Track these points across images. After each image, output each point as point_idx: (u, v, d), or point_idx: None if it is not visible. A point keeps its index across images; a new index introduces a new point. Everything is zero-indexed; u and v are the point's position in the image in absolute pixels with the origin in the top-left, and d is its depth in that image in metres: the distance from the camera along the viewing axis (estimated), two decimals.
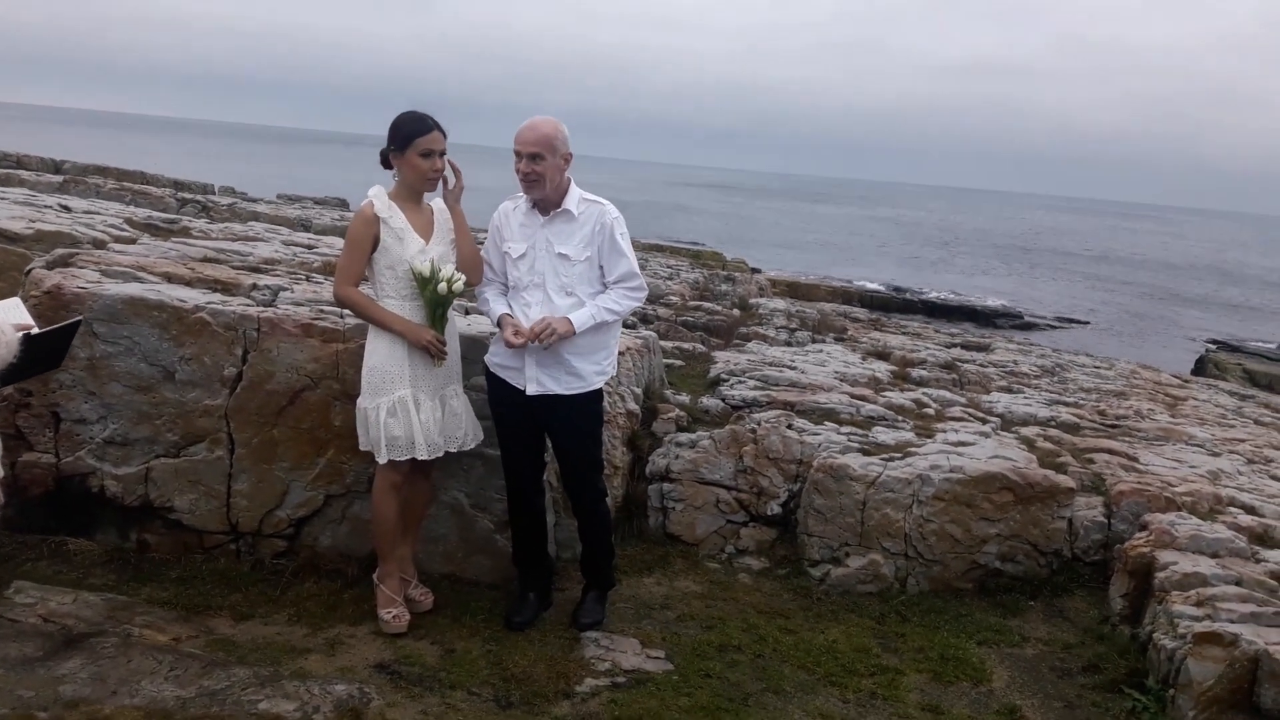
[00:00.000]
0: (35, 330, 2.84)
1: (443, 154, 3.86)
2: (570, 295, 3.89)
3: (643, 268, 13.63)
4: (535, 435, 4.08)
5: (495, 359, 4.04)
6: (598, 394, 4.07)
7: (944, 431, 5.77)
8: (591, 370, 3.98)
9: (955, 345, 12.46)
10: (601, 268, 3.94)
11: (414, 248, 3.82)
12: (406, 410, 3.81)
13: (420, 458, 3.86)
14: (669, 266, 14.12)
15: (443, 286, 3.78)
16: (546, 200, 3.91)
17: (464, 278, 3.87)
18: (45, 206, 7.79)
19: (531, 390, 3.93)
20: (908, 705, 3.79)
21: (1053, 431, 6.34)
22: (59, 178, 14.48)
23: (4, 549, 4.17)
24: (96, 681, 3.30)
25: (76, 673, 3.34)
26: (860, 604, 4.66)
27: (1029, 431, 6.22)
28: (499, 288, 4.05)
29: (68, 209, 8.05)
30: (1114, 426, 6.97)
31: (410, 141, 3.81)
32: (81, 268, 4.73)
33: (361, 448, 3.96)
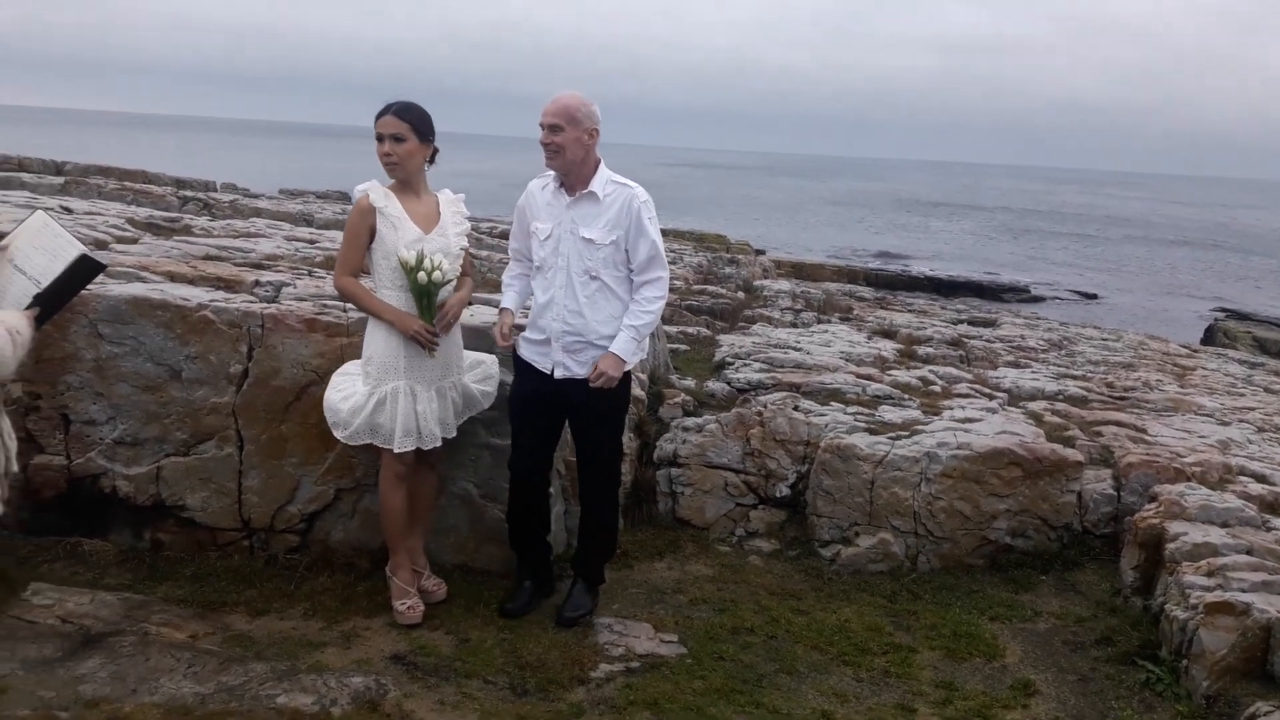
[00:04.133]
0: (41, 289, 2.78)
1: (395, 138, 3.81)
2: (595, 279, 3.86)
3: None
4: (553, 421, 4.07)
5: (523, 338, 4.04)
6: (626, 377, 4.01)
7: (951, 409, 5.77)
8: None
9: (962, 321, 12.45)
10: (627, 252, 3.89)
11: (408, 237, 3.83)
12: (396, 401, 3.82)
13: (403, 449, 3.84)
14: (672, 250, 14.09)
15: (422, 276, 3.75)
16: (572, 180, 3.88)
17: (447, 265, 3.82)
18: (47, 209, 7.78)
19: (558, 374, 3.92)
20: (921, 683, 3.81)
21: (1060, 405, 6.35)
22: (60, 179, 14.47)
23: (20, 552, 4.19)
24: (116, 680, 3.33)
25: (96, 672, 3.37)
26: (871, 583, 4.67)
27: (1036, 406, 6.23)
28: (522, 268, 4.08)
29: (69, 210, 8.05)
30: (1122, 398, 6.97)
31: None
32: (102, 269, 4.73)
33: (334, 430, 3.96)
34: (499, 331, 4.00)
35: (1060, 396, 6.70)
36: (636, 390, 5.33)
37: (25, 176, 14.10)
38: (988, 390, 6.61)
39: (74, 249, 2.83)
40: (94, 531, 4.39)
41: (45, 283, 2.77)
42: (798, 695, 3.66)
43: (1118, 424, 5.94)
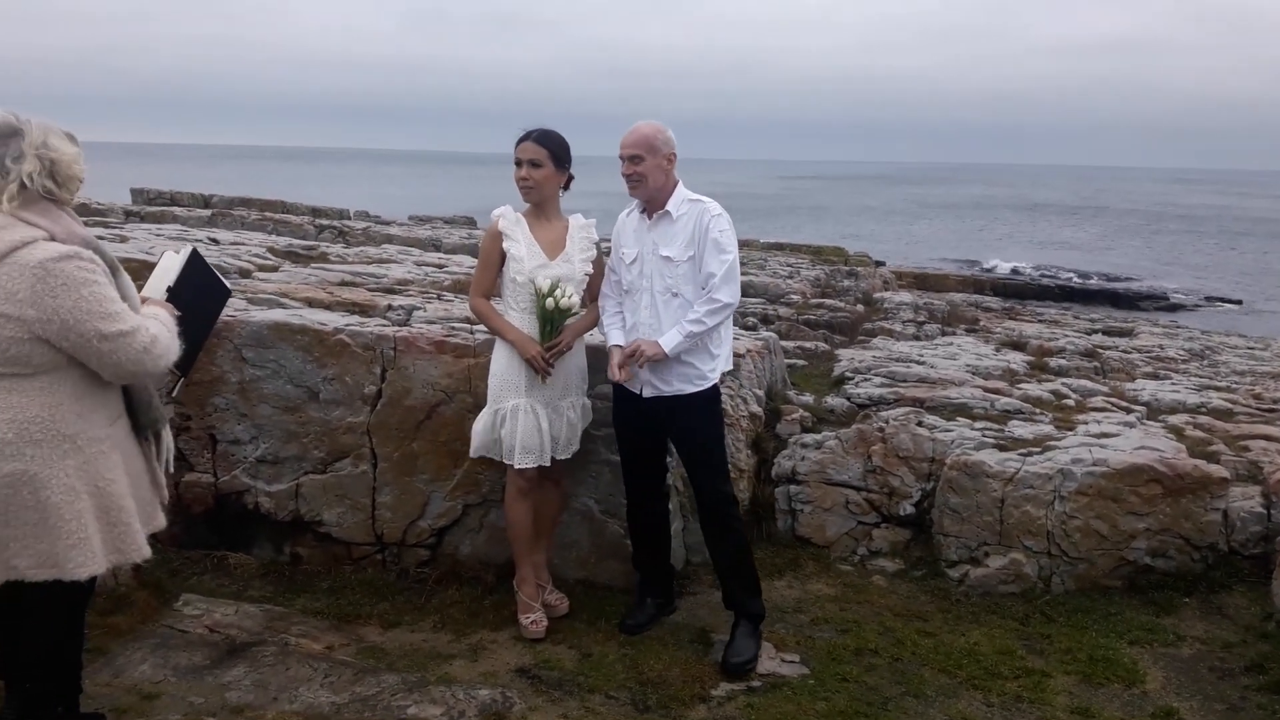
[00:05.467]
0: (170, 285, 3.08)
1: (533, 163, 3.95)
2: (676, 296, 3.93)
3: (761, 267, 13.32)
4: (653, 441, 4.11)
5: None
6: (714, 393, 4.03)
7: (1085, 423, 5.55)
8: (707, 367, 3.98)
9: (1096, 331, 12.00)
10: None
11: (533, 262, 3.94)
12: (517, 418, 3.92)
13: (524, 464, 3.92)
14: (788, 265, 13.97)
15: (549, 303, 3.87)
16: (652, 202, 3.98)
17: (575, 296, 3.95)
18: (195, 240, 8.27)
19: (647, 393, 3.98)
20: (1056, 708, 3.67)
21: (1203, 419, 6.03)
22: (208, 211, 15.34)
23: (172, 564, 4.46)
24: (259, 688, 3.51)
25: (240, 680, 3.55)
26: (1002, 605, 4.53)
27: (1177, 419, 5.94)
28: (617, 304, 4.12)
29: (216, 241, 8.55)
30: (1271, 410, 6.57)
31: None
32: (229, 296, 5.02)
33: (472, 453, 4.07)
34: (614, 367, 3.98)
35: (1203, 409, 6.37)
36: (753, 406, 5.31)
37: (177, 210, 15.01)
38: (1125, 403, 6.34)
39: (187, 250, 3.22)
40: (238, 545, 4.63)
41: (170, 281, 3.08)
42: (925, 719, 3.58)
43: (1267, 438, 5.61)
